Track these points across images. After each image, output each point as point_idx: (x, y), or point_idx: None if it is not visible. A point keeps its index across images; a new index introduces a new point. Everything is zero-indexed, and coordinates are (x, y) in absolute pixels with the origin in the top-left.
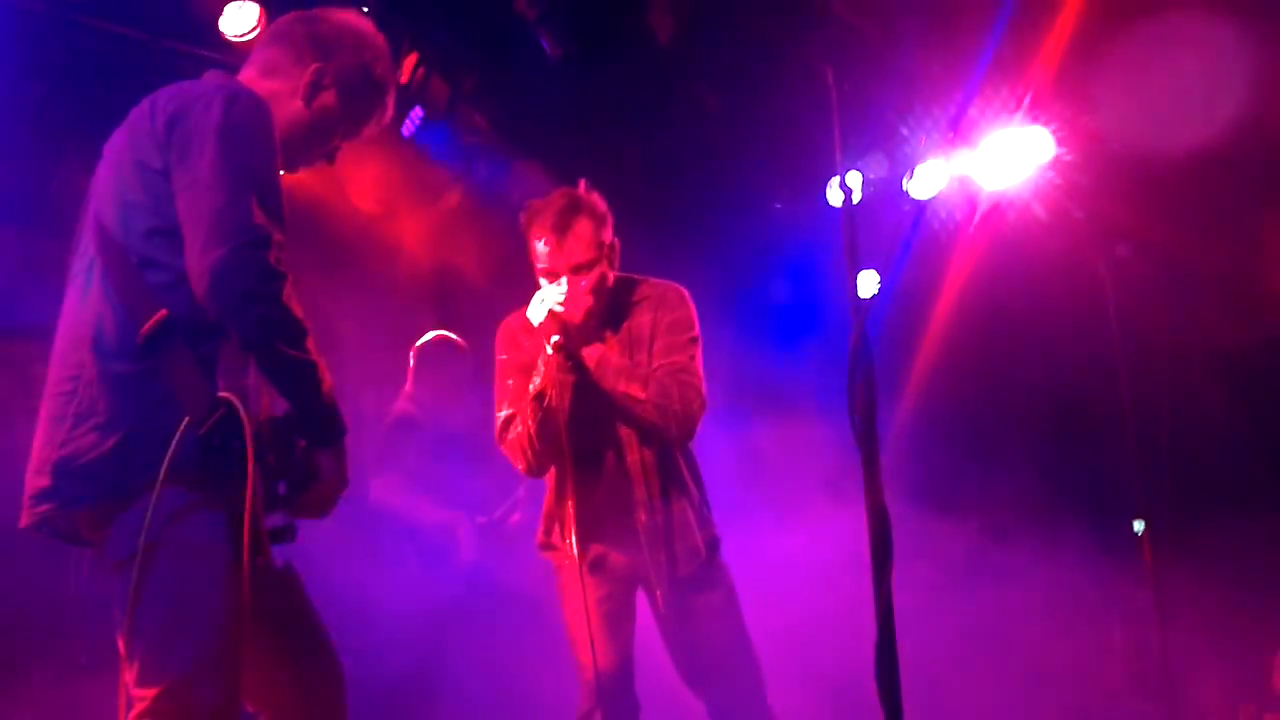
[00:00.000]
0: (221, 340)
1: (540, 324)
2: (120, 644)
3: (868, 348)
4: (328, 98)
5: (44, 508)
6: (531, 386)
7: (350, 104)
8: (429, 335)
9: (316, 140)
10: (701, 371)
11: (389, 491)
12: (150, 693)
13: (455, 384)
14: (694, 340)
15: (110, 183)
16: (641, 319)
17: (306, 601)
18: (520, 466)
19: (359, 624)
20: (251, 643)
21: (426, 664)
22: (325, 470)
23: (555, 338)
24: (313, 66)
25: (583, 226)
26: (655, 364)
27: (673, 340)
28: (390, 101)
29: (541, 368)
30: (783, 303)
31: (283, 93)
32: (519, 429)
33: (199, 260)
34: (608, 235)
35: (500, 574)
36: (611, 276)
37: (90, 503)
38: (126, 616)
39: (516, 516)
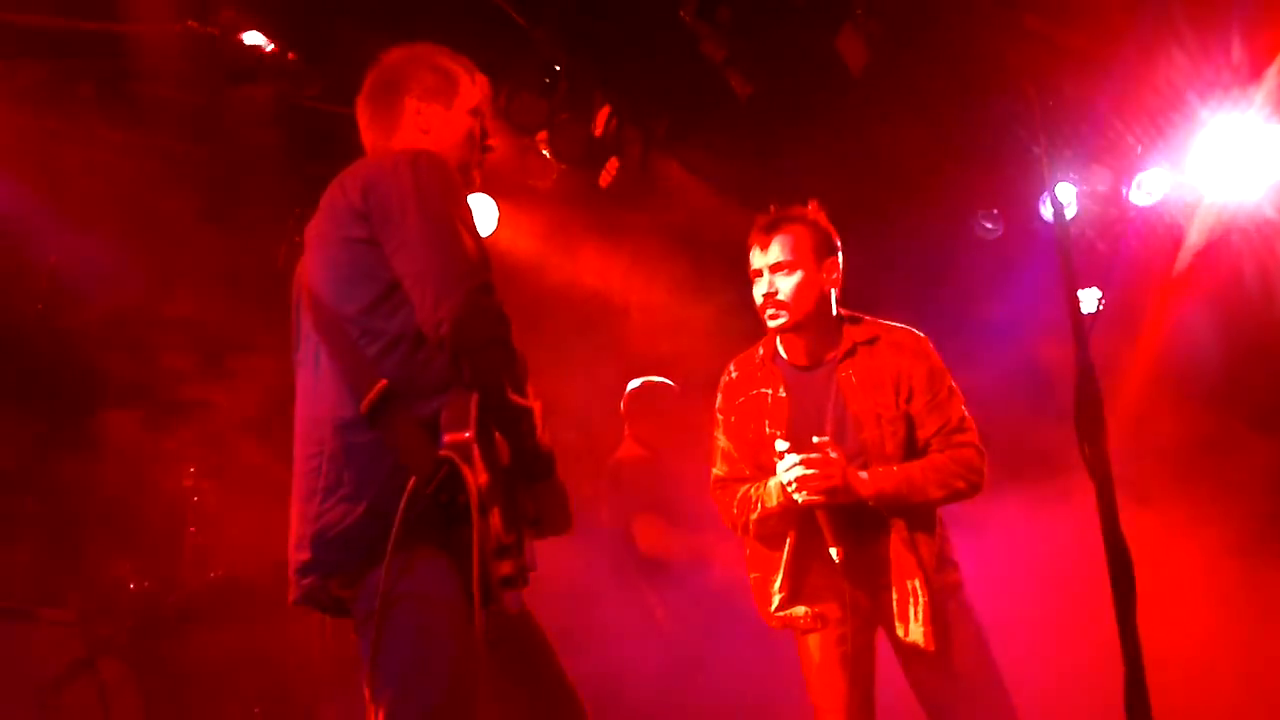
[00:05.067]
0: (441, 399)
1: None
2: (366, 693)
3: (1093, 372)
4: (434, 112)
5: (308, 580)
6: (755, 507)
7: (452, 104)
8: (636, 382)
9: (464, 152)
10: (969, 416)
11: (653, 532)
12: None
13: (670, 422)
14: (953, 390)
15: (320, 264)
16: (881, 360)
17: (545, 644)
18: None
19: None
20: (490, 690)
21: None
22: (546, 508)
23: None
24: (407, 103)
25: (794, 231)
26: (925, 432)
27: (935, 398)
28: (475, 73)
29: (773, 496)
30: (1000, 324)
31: (410, 142)
32: (735, 512)
33: (434, 311)
34: (827, 253)
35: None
36: (831, 292)
37: (349, 570)
38: (370, 666)
39: None
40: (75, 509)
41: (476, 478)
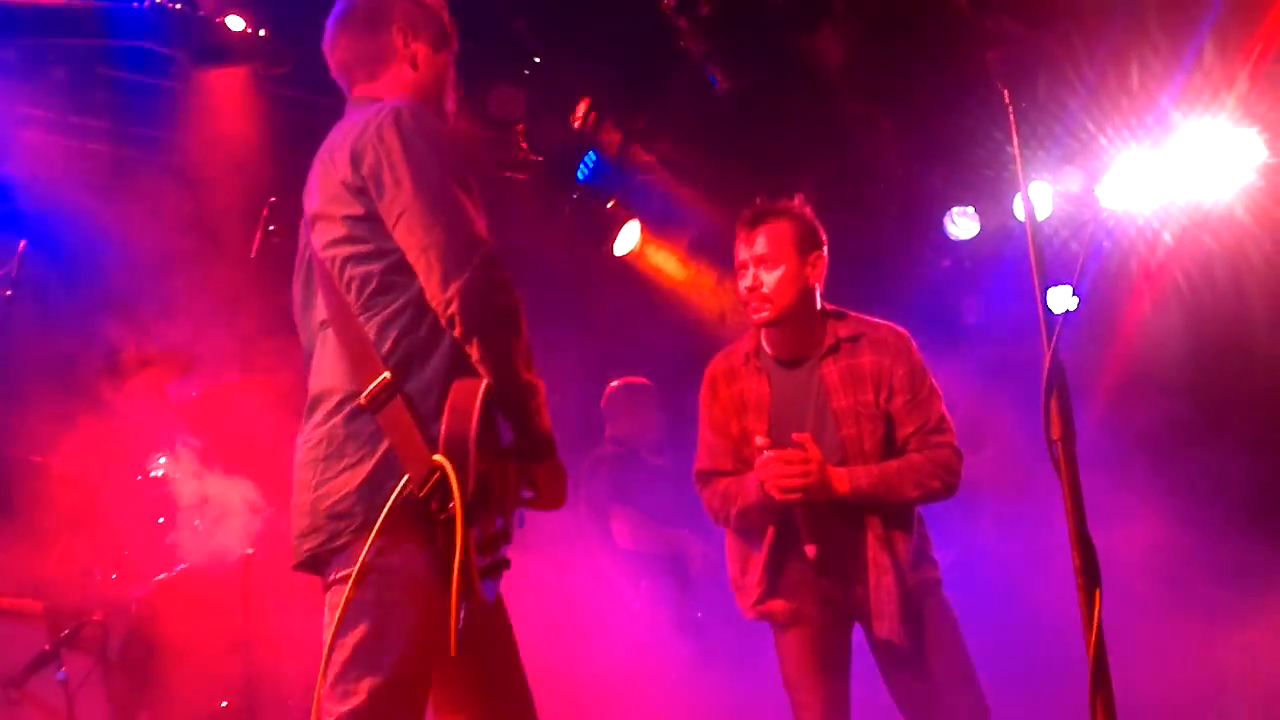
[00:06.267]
0: (446, 383)
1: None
2: (322, 655)
3: (1062, 369)
4: (419, 48)
5: (309, 545)
6: (735, 501)
7: (433, 36)
8: (615, 384)
9: (446, 85)
10: (949, 416)
11: (628, 528)
12: (341, 709)
13: (647, 420)
14: (934, 390)
15: (326, 242)
16: (862, 358)
17: (509, 638)
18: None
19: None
20: (447, 673)
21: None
22: (543, 484)
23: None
24: (393, 35)
25: (779, 226)
26: (904, 430)
27: (915, 397)
28: (444, 8)
29: (752, 491)
30: (972, 323)
31: (399, 78)
32: (717, 505)
33: (443, 289)
34: (812, 247)
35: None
36: (815, 287)
37: (348, 538)
38: (331, 630)
39: None
40: (43, 499)
41: (469, 485)
